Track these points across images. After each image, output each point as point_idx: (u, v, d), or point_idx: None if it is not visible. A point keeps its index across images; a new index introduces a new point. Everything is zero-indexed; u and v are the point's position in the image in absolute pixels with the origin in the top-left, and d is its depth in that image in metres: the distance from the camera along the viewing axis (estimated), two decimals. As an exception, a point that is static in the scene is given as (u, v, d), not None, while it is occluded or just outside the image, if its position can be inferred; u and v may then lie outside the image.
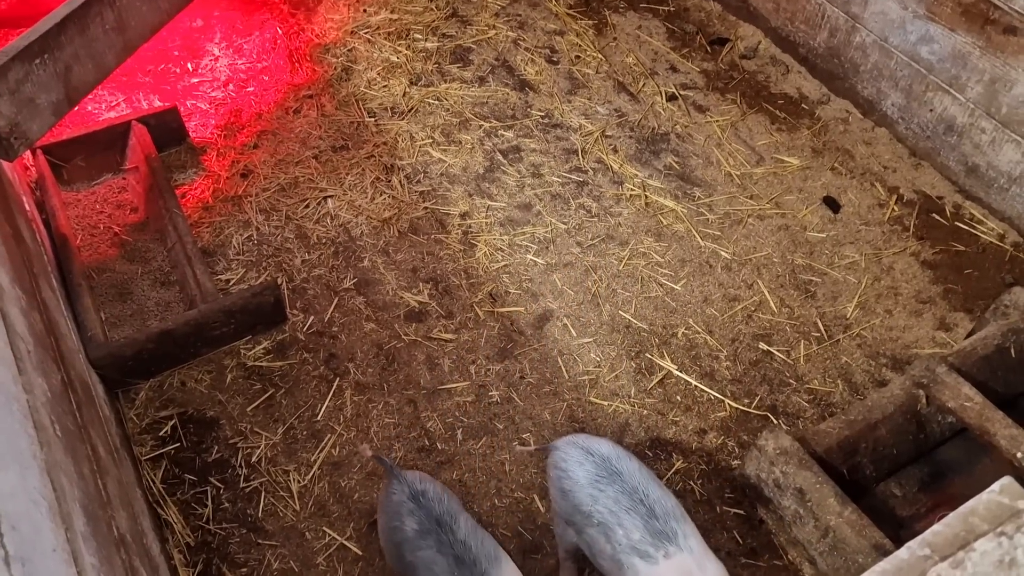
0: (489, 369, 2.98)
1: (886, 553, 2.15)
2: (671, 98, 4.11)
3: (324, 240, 3.36)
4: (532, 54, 4.33)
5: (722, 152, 3.83)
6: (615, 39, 4.47)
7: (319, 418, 2.82)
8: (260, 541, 2.53)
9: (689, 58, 4.38)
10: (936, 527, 1.12)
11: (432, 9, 4.57)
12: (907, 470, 2.60)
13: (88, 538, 1.62)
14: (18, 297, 2.00)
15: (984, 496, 1.17)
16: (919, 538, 1.10)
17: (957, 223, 3.52)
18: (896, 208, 3.58)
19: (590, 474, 2.10)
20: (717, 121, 3.99)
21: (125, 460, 2.46)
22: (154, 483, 2.61)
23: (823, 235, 3.47)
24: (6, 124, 2.67)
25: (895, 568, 1.06)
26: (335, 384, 2.91)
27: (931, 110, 3.64)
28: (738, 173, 3.73)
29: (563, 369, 2.99)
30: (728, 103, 4.11)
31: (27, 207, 2.92)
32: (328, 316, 3.11)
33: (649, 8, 4.70)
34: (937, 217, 3.55)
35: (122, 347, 2.71)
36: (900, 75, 3.72)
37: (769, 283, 3.29)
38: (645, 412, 2.87)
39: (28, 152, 3.28)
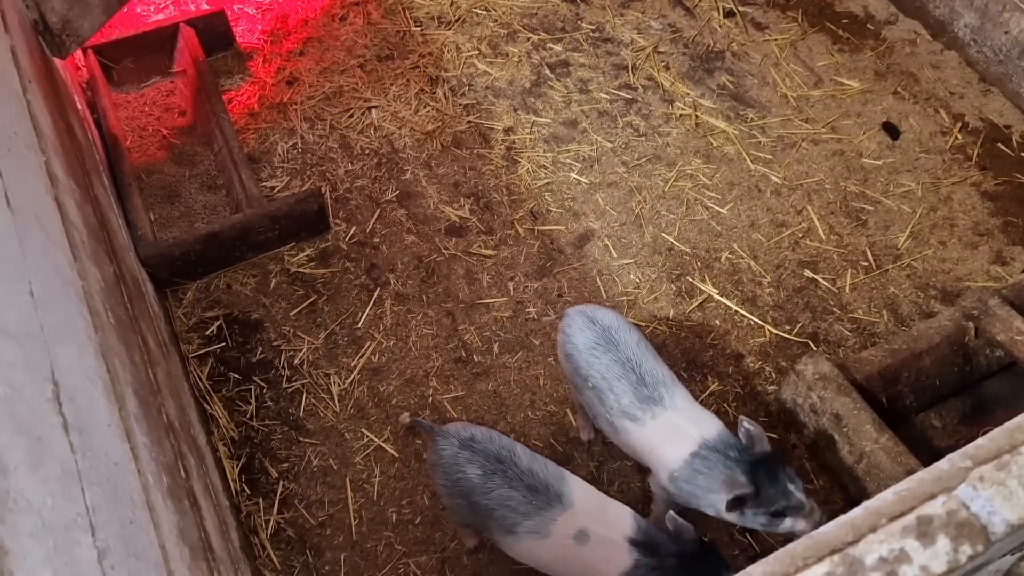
0: (527, 286, 2.99)
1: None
2: (729, 14, 3.93)
3: (367, 151, 3.35)
4: (585, -35, 4.15)
5: (779, 72, 3.67)
6: (673, -49, 4.26)
7: (360, 325, 2.87)
8: (301, 439, 2.63)
9: (750, -27, 4.15)
10: (979, 440, 1.10)
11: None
12: (949, 402, 2.57)
13: (140, 419, 1.70)
14: (72, 189, 2.05)
15: (1032, 413, 1.14)
16: (960, 450, 1.09)
17: (1023, 154, 3.36)
18: (959, 136, 3.42)
19: (589, 341, 2.24)
20: (776, 40, 3.81)
21: (173, 355, 2.55)
22: (200, 379, 2.71)
23: (879, 162, 3.35)
24: (58, 20, 2.68)
25: (934, 478, 1.04)
26: (376, 294, 2.95)
27: (1006, 32, 3.42)
28: (794, 95, 3.58)
29: (602, 289, 2.98)
30: (788, 21, 3.91)
31: (79, 106, 2.96)
32: (370, 227, 3.12)
33: (711, -82, 4.45)
34: (1002, 147, 3.38)
35: (171, 247, 2.78)
36: (977, -6, 3.49)
37: (819, 210, 3.19)
38: (683, 335, 2.86)
39: (79, 52, 3.30)
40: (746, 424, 2.04)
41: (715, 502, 2.04)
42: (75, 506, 1.13)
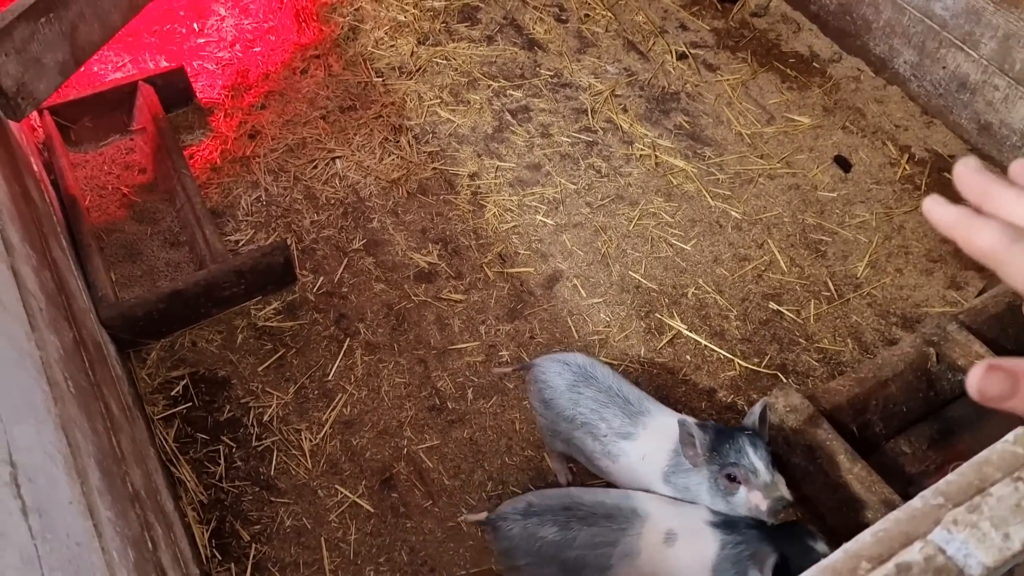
0: (499, 329, 2.98)
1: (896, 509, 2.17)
2: (681, 57, 4.05)
3: (333, 201, 3.35)
4: (540, 12, 4.25)
5: (732, 111, 3.78)
6: (625, -4, 4.39)
7: (330, 378, 2.83)
8: (273, 499, 2.57)
9: (699, 16, 4.30)
10: (949, 476, 1.12)
11: (438, -34, 4.48)
12: (916, 427, 2.61)
13: (103, 492, 1.64)
14: (28, 255, 2.00)
15: (998, 446, 1.16)
16: (932, 487, 1.10)
17: (971, 182, 3.48)
18: (907, 167, 3.54)
19: (568, 381, 2.27)
20: (728, 80, 3.93)
21: (138, 419, 2.48)
22: (167, 442, 2.64)
23: (834, 194, 3.44)
24: (13, 84, 2.65)
25: (908, 517, 1.05)
26: (346, 344, 2.92)
27: (944, 67, 3.57)
28: (749, 132, 3.68)
29: (573, 329, 2.99)
30: (739, 62, 4.04)
31: (35, 168, 2.92)
32: (338, 277, 3.11)
33: (659, -36, 4.60)
34: (948, 176, 3.50)
35: (133, 307, 2.72)
36: (913, 32, 3.65)
37: (779, 243, 3.26)
38: (655, 372, 2.88)
39: (35, 113, 3.26)
40: (758, 406, 2.06)
41: (695, 481, 2.06)
42: (37, 594, 1.09)
